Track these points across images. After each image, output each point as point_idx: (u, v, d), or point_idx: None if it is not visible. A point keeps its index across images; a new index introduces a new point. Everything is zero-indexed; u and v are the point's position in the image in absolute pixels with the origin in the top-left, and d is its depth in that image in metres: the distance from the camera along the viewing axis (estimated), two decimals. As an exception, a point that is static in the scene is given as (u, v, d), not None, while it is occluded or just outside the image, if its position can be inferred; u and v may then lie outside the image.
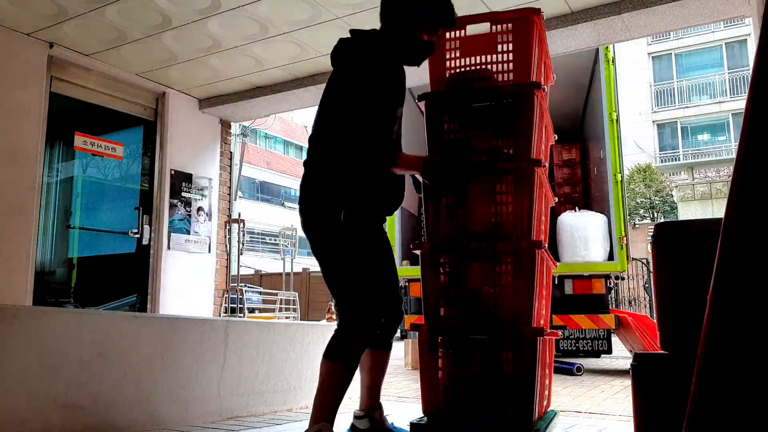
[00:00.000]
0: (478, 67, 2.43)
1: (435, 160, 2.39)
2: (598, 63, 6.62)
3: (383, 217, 2.51)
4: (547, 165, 2.52)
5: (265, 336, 3.57)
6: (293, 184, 29.19)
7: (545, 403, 2.56)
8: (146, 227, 5.49)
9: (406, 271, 6.18)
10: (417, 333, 2.39)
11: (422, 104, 2.51)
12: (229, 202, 6.40)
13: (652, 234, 2.20)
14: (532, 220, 2.28)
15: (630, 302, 15.67)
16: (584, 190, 7.74)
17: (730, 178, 0.96)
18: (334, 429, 2.26)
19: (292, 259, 10.32)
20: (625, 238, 6.23)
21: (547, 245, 2.70)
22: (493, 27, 2.41)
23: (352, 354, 2.21)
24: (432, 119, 2.45)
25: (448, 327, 2.33)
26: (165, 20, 4.39)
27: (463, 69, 2.44)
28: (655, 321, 2.74)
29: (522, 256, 2.25)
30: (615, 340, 7.11)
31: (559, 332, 2.78)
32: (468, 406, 2.25)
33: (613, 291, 10.50)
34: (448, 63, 2.47)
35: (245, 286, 9.26)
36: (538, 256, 2.30)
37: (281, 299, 9.37)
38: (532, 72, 2.36)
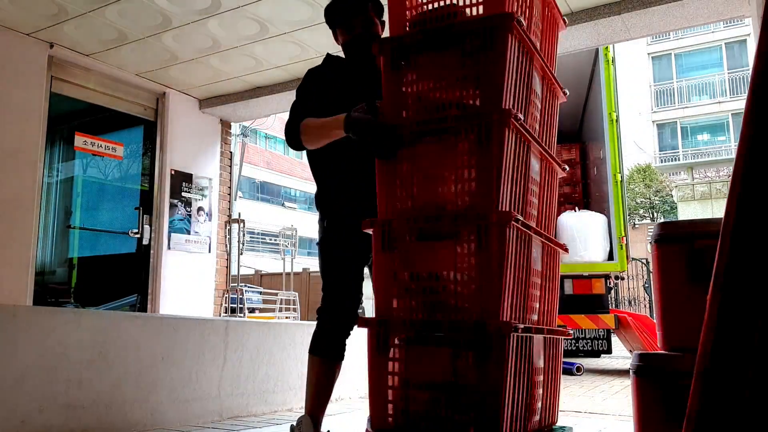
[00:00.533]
0: (444, 2, 1.99)
1: (357, 115, 2.09)
2: (598, 63, 6.62)
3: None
4: (519, 118, 1.95)
5: (265, 336, 3.57)
6: (293, 184, 29.20)
7: (537, 417, 2.10)
8: (146, 227, 5.49)
9: None
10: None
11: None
12: (229, 202, 6.40)
13: (652, 234, 2.20)
14: (501, 187, 1.83)
15: (630, 302, 15.67)
16: (584, 190, 7.74)
17: (730, 178, 0.96)
18: (324, 420, 2.31)
19: (292, 259, 10.32)
20: (625, 238, 6.23)
21: (544, 228, 2.26)
22: None
23: (315, 341, 2.39)
24: (386, 71, 2.05)
25: (399, 322, 1.91)
26: (165, 20, 4.39)
27: (426, 6, 2.03)
28: (655, 321, 2.74)
29: (486, 232, 1.80)
30: (615, 340, 7.12)
31: (571, 332, 2.36)
32: (426, 422, 1.85)
33: (612, 291, 10.51)
34: (408, 2, 2.05)
35: (245, 286, 9.27)
36: (512, 232, 1.84)
37: (281, 299, 9.37)
38: (507, 1, 1.91)
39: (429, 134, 1.96)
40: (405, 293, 1.95)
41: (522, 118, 1.93)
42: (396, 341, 1.92)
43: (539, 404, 2.11)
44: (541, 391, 2.12)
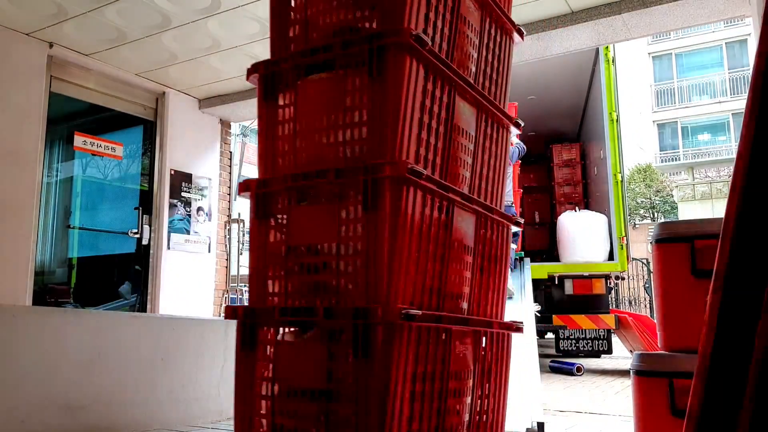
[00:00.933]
0: None
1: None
2: (598, 63, 6.62)
3: None
4: (425, 42, 1.45)
5: (265, 336, 3.57)
6: (293, 184, 29.20)
7: None
8: (146, 227, 5.49)
9: None
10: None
11: None
12: (229, 202, 6.40)
13: (652, 234, 2.20)
14: (400, 133, 1.38)
15: (630, 302, 15.67)
16: (584, 190, 7.75)
17: (730, 178, 0.96)
18: None
19: (292, 259, 10.32)
20: (625, 238, 6.24)
21: (487, 196, 1.80)
22: None
23: None
24: None
25: (269, 311, 1.49)
26: (165, 20, 4.39)
27: None
28: (655, 321, 2.74)
29: (374, 190, 1.37)
30: (615, 340, 7.11)
31: (521, 325, 1.83)
32: None
33: (613, 291, 10.51)
34: None
35: (245, 286, 9.26)
36: (414, 191, 1.41)
37: (281, 299, 9.37)
38: None
39: (314, 70, 1.53)
40: (281, 273, 1.52)
41: (429, 43, 1.46)
42: (267, 335, 1.50)
43: (467, 417, 1.64)
44: (469, 400, 1.65)
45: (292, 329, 1.52)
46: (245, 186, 1.60)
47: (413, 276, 1.42)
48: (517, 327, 1.87)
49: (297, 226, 1.52)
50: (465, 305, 1.67)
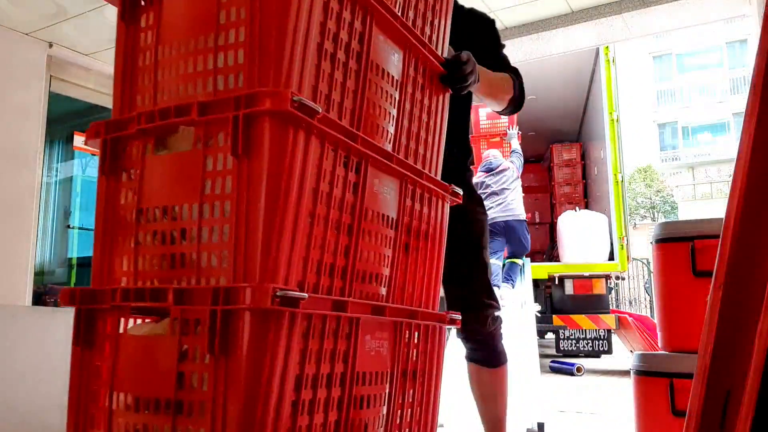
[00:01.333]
0: None
1: None
2: (598, 63, 6.63)
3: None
4: None
5: (264, 336, 3.56)
6: (293, 184, 29.23)
7: None
8: (146, 227, 5.49)
9: None
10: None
11: None
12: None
13: (653, 234, 2.20)
14: (286, 58, 1.05)
15: (630, 302, 15.67)
16: (585, 190, 7.76)
17: (731, 177, 0.96)
18: None
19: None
20: (625, 238, 6.24)
21: (420, 160, 1.45)
22: None
23: None
24: None
25: (110, 293, 1.12)
26: (165, 20, 4.40)
27: None
28: (655, 321, 2.74)
29: (247, 128, 1.03)
30: (615, 340, 7.13)
31: (456, 317, 1.49)
32: None
33: (613, 291, 10.52)
34: None
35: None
36: (302, 137, 1.06)
37: (281, 299, 9.38)
38: None
39: None
40: (131, 245, 1.17)
41: None
42: (107, 327, 1.15)
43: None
44: (385, 410, 1.30)
45: (148, 319, 1.18)
46: (94, 131, 1.22)
47: (304, 249, 1.08)
48: (451, 319, 1.51)
49: (151, 182, 1.16)
50: (383, 290, 1.32)
